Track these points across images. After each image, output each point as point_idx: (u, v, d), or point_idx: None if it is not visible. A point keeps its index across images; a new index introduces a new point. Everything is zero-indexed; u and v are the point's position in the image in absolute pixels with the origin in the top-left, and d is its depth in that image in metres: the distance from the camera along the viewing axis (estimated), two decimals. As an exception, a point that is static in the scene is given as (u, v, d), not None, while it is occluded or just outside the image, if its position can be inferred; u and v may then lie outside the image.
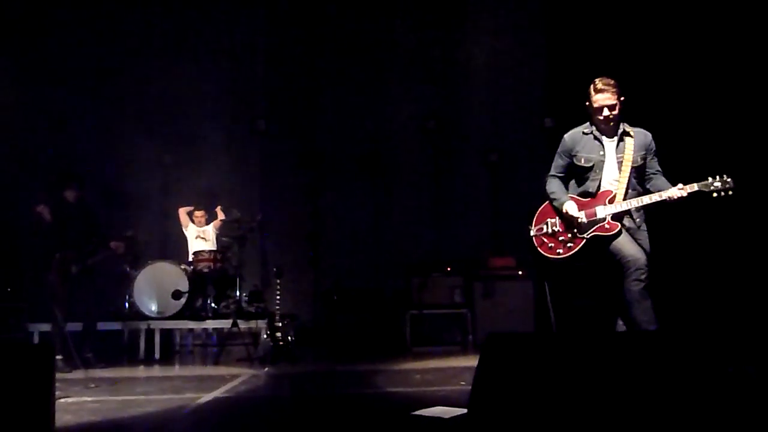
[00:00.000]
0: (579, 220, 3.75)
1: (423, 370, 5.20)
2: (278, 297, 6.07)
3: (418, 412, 3.34)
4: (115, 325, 6.42)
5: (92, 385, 4.36)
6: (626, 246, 3.64)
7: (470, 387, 2.34)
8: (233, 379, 4.81)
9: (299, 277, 7.56)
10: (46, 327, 6.03)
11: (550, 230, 3.87)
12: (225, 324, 6.18)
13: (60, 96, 7.61)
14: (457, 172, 8.13)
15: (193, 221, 7.15)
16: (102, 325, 5.90)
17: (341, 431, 3.20)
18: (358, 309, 7.10)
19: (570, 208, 3.78)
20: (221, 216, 7.05)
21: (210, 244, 6.95)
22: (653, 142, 3.80)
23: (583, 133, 3.85)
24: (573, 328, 5.49)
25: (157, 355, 6.18)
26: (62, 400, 3.71)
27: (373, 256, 7.74)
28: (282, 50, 8.26)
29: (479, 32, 8.23)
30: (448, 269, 6.96)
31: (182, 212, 7.13)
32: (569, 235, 3.81)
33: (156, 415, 3.52)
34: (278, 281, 6.11)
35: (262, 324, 6.22)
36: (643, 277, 3.54)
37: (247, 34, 8.27)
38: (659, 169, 3.81)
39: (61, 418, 3.08)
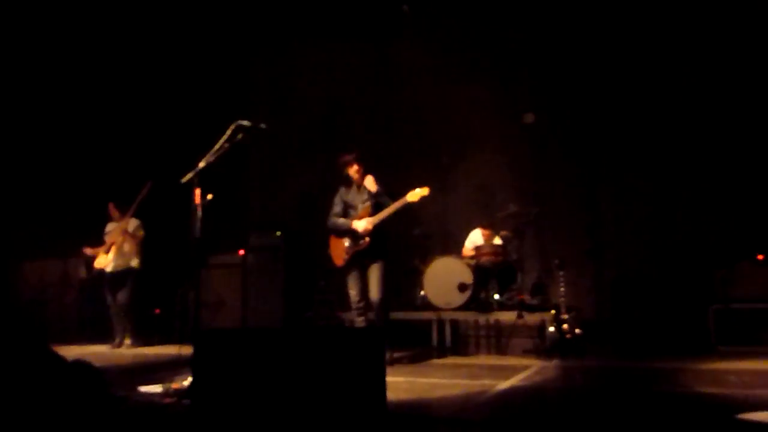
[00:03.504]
0: None
1: (737, 371, 4.62)
2: (562, 289, 6.01)
3: (744, 416, 3.00)
4: (409, 315, 7.01)
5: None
6: None
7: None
8: (525, 369, 4.89)
9: (579, 270, 7.32)
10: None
11: None
12: (509, 316, 6.30)
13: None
14: (759, 140, 6.99)
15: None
16: (399, 315, 6.52)
17: (658, 430, 3.03)
18: (649, 302, 6.62)
19: None
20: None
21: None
22: None
23: None
24: None
25: (448, 344, 6.59)
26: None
27: (662, 245, 7.12)
28: (544, 38, 8.11)
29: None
30: (760, 258, 6.06)
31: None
32: None
33: (461, 397, 3.76)
34: (561, 273, 6.04)
35: (545, 316, 6.19)
36: None
37: (508, 26, 8.31)
38: None
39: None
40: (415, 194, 5.12)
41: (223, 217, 6.59)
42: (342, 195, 5.50)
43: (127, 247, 7.03)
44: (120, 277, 7.00)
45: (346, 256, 5.35)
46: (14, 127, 7.87)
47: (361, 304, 5.37)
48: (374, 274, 5.25)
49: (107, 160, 8.49)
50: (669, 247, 7.15)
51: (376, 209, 5.29)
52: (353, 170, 5.36)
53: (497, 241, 6.90)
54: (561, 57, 7.96)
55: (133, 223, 7.12)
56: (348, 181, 5.45)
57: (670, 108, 7.37)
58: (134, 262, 7.07)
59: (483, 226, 7.06)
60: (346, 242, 5.36)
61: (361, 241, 5.25)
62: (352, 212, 5.43)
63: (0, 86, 7.67)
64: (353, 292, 5.38)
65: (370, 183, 5.31)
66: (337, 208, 5.47)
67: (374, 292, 5.23)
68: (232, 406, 2.75)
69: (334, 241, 5.50)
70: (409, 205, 5.22)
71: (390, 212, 5.23)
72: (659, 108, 7.41)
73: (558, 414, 3.39)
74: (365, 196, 5.36)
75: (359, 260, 5.31)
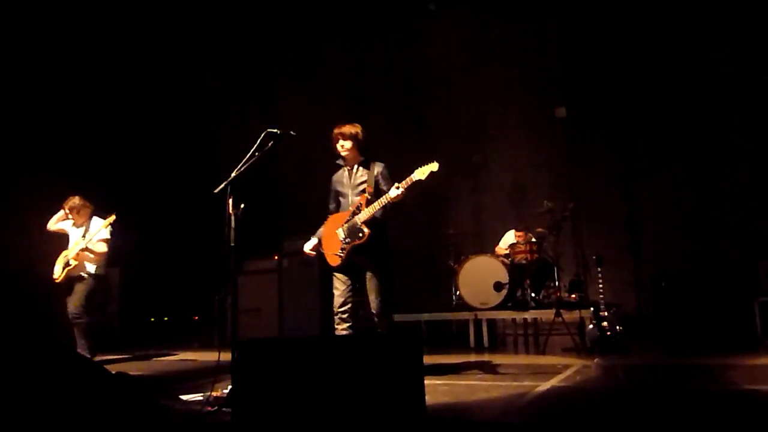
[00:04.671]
0: None
1: (787, 366, 4.49)
2: (601, 285, 5.89)
3: (797, 415, 2.90)
4: (445, 316, 6.99)
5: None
6: None
7: None
8: (565, 369, 4.81)
9: (618, 265, 7.19)
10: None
11: None
12: (547, 314, 6.22)
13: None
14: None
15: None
16: (436, 316, 6.49)
17: (705, 429, 2.94)
18: (691, 296, 6.46)
19: None
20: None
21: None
22: None
23: None
24: None
25: (485, 344, 6.53)
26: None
27: (703, 237, 6.95)
28: (574, 30, 7.98)
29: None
30: (806, 248, 5.87)
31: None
32: None
33: (501, 400, 3.72)
34: (599, 270, 5.93)
35: (584, 314, 6.09)
36: None
37: (538, 21, 8.21)
38: None
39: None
40: (424, 171, 4.03)
41: (257, 223, 6.63)
42: (334, 181, 4.53)
43: (88, 257, 6.07)
44: (71, 283, 6.05)
45: (341, 253, 4.35)
46: (58, 140, 8.10)
47: (343, 309, 4.42)
48: (372, 283, 4.36)
49: (146, 173, 8.67)
50: (710, 238, 6.98)
51: (377, 197, 4.24)
52: (339, 146, 4.34)
53: (532, 240, 6.83)
54: (594, 48, 7.82)
55: (100, 235, 6.08)
56: (341, 162, 4.46)
57: (709, 98, 7.18)
58: (91, 269, 6.09)
59: (517, 229, 7.00)
60: (342, 235, 4.34)
61: (360, 234, 4.24)
62: (342, 201, 4.46)
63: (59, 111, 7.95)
64: (337, 293, 4.44)
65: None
66: (331, 199, 4.55)
67: (373, 304, 4.39)
68: (272, 414, 2.78)
69: (327, 235, 4.51)
70: (420, 185, 4.09)
71: (383, 204, 4.16)
72: (698, 98, 7.23)
73: (601, 416, 3.31)
74: (360, 180, 4.36)
75: (353, 258, 4.34)
